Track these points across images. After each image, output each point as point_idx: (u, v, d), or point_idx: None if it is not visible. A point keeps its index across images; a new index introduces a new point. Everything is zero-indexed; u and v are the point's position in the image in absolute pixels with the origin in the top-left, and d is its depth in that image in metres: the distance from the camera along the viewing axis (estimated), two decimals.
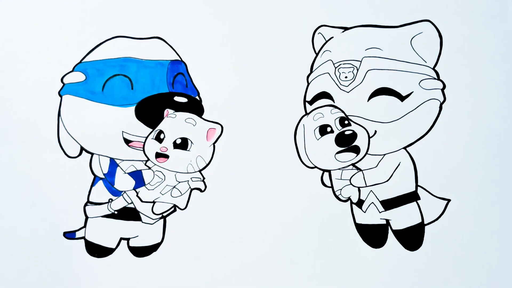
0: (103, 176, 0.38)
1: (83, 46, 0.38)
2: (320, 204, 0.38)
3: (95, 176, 0.38)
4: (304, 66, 0.39)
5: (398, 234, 0.38)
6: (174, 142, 0.38)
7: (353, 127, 0.38)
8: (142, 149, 0.38)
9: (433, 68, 0.39)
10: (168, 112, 0.38)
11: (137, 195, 0.38)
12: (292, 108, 0.39)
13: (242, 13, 0.39)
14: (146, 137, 0.38)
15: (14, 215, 0.37)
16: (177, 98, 0.38)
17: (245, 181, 0.38)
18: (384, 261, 0.38)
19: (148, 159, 0.38)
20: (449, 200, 0.38)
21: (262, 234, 0.38)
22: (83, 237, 0.38)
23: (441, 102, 0.38)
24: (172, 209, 0.38)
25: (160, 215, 0.38)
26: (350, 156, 0.38)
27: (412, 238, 0.38)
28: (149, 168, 0.38)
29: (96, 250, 0.38)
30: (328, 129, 0.38)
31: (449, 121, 0.38)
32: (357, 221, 0.38)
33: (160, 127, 0.38)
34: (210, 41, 0.39)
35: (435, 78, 0.38)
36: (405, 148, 0.38)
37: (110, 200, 0.38)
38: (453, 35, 0.39)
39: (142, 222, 0.38)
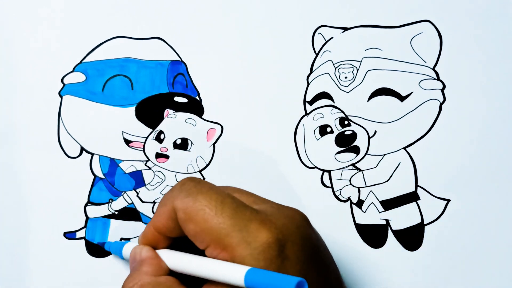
0: (103, 176, 0.38)
1: (83, 46, 0.38)
2: (320, 204, 0.38)
3: (95, 176, 0.38)
4: (304, 66, 0.39)
5: (398, 234, 0.38)
6: (174, 143, 0.38)
7: (353, 127, 0.38)
8: (142, 149, 0.38)
9: (433, 68, 0.39)
10: (168, 112, 0.38)
11: (137, 196, 0.38)
12: (292, 108, 0.39)
13: (242, 13, 0.39)
14: (146, 137, 0.38)
15: (14, 215, 0.37)
16: (177, 98, 0.38)
17: (244, 181, 0.38)
18: (384, 261, 0.38)
19: (148, 159, 0.38)
20: (449, 200, 0.38)
21: None
22: (83, 237, 0.38)
23: (441, 102, 0.38)
24: None
25: None
26: (350, 156, 0.38)
27: (412, 238, 0.38)
28: (149, 168, 0.38)
29: (96, 250, 0.38)
30: (328, 129, 0.38)
31: (449, 121, 0.38)
32: (357, 221, 0.38)
33: (160, 127, 0.38)
34: (210, 41, 0.39)
35: (435, 79, 0.38)
36: (405, 148, 0.38)
37: (111, 201, 0.38)
38: (453, 35, 0.39)
39: (142, 222, 0.38)
